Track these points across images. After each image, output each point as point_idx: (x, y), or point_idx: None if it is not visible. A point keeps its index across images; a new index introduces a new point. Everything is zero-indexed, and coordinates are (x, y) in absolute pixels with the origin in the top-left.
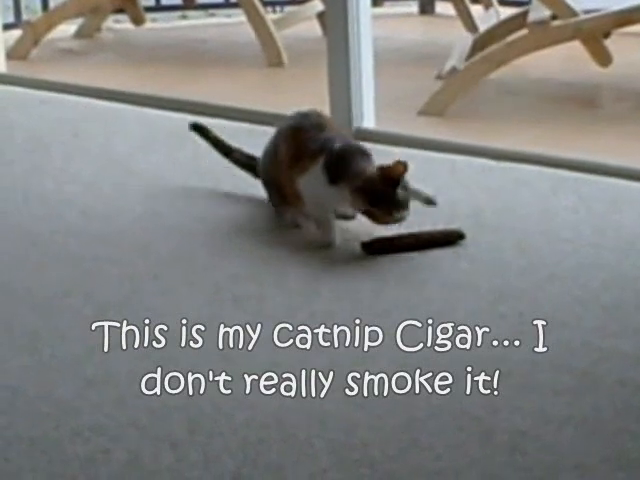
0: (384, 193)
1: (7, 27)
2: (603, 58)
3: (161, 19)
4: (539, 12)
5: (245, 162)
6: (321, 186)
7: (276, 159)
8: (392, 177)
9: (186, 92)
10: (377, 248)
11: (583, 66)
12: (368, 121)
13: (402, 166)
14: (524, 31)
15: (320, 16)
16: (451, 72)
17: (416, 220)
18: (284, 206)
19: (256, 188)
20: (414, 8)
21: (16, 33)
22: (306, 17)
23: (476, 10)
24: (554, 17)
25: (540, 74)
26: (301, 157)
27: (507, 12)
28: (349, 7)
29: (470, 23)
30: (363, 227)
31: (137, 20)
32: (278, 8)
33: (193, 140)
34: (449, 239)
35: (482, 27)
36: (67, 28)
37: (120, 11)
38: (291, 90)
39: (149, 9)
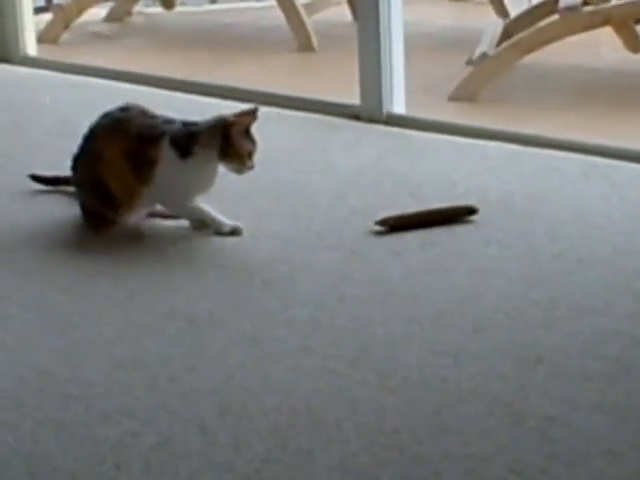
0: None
1: (38, 11)
2: (634, 44)
3: (191, 3)
4: None
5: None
6: (175, 166)
7: (97, 160)
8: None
9: (216, 76)
10: (392, 225)
11: (614, 52)
12: (398, 106)
13: (254, 111)
14: (555, 17)
15: (350, 1)
16: (481, 58)
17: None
18: (111, 210)
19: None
20: None
21: (47, 17)
22: (336, 2)
23: None
24: (585, 3)
25: (571, 60)
26: (139, 150)
27: None
28: None
29: (501, 8)
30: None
31: (167, 4)
32: None
33: None
34: (461, 214)
35: (513, 13)
36: (98, 12)
37: None
38: (321, 75)
39: None
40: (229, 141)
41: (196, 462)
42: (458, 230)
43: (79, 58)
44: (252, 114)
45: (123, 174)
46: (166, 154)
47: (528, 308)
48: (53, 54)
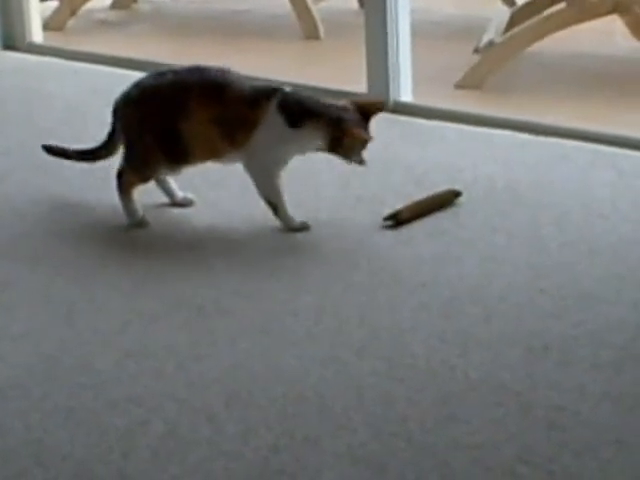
0: (364, 125)
1: None
2: None
3: None
4: None
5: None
6: (281, 131)
7: (181, 114)
8: (370, 111)
9: (221, 64)
10: (402, 219)
11: (621, 40)
12: (405, 95)
13: (381, 104)
14: (562, 5)
15: None
16: (488, 46)
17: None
18: (172, 161)
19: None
20: None
21: (53, 4)
22: None
23: None
24: None
25: (578, 48)
26: (236, 114)
27: None
28: None
29: None
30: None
31: None
32: None
33: None
34: (450, 199)
35: (520, 0)
36: None
37: None
38: (327, 63)
39: None
40: (340, 143)
41: (204, 450)
42: (465, 218)
43: (85, 45)
44: (377, 109)
45: (209, 137)
46: (272, 118)
47: (536, 297)
48: (59, 41)
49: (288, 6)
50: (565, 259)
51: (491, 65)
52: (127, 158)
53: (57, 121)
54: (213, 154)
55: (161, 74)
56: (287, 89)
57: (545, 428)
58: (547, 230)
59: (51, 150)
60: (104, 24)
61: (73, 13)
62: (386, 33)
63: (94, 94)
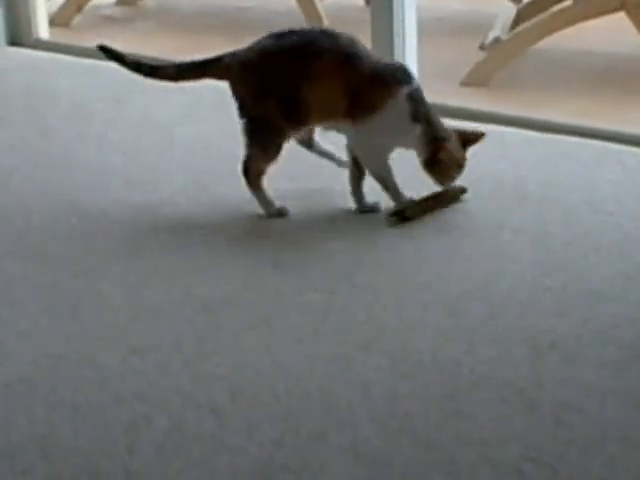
0: (462, 152)
1: None
2: None
3: None
4: None
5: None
6: (403, 121)
7: (305, 79)
8: (469, 140)
9: None
10: (408, 215)
11: (628, 38)
12: None
13: (481, 135)
14: (569, 1)
15: None
16: (494, 43)
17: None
18: (290, 122)
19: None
20: None
21: (59, 0)
22: None
23: None
24: None
25: (584, 45)
26: (365, 91)
27: None
28: None
29: None
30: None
31: None
32: None
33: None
34: (456, 195)
35: None
36: None
37: None
38: None
39: None
40: (436, 164)
41: (209, 446)
42: (471, 215)
43: (91, 41)
44: (476, 139)
45: (329, 103)
46: (399, 104)
47: (542, 294)
48: (65, 37)
49: (293, 2)
50: (571, 256)
51: (497, 62)
52: (250, 136)
53: (63, 117)
54: (326, 119)
55: (280, 35)
56: (415, 81)
57: (551, 425)
58: (553, 227)
59: (107, 51)
60: (110, 20)
61: (79, 9)
62: (392, 30)
63: (100, 90)
